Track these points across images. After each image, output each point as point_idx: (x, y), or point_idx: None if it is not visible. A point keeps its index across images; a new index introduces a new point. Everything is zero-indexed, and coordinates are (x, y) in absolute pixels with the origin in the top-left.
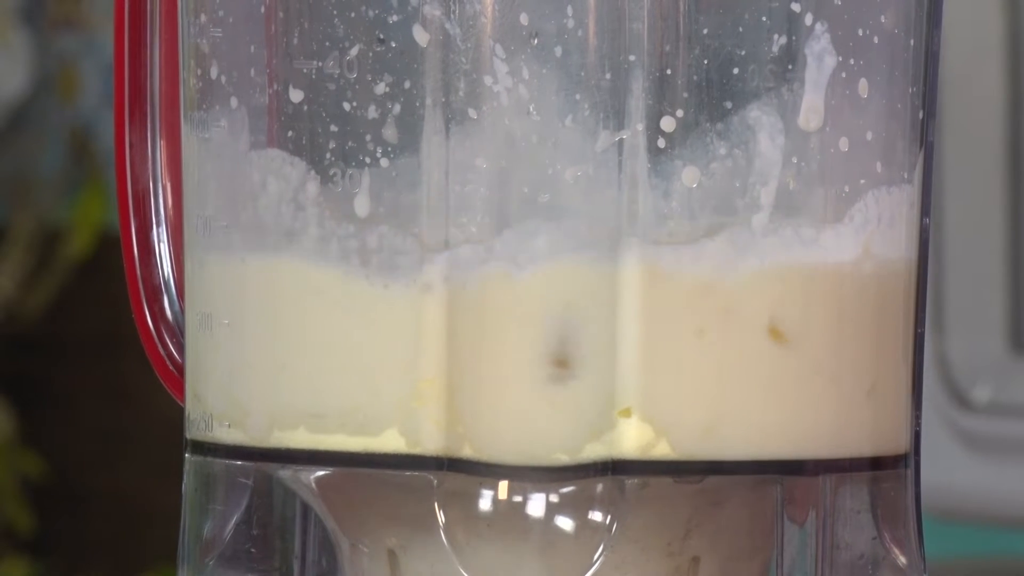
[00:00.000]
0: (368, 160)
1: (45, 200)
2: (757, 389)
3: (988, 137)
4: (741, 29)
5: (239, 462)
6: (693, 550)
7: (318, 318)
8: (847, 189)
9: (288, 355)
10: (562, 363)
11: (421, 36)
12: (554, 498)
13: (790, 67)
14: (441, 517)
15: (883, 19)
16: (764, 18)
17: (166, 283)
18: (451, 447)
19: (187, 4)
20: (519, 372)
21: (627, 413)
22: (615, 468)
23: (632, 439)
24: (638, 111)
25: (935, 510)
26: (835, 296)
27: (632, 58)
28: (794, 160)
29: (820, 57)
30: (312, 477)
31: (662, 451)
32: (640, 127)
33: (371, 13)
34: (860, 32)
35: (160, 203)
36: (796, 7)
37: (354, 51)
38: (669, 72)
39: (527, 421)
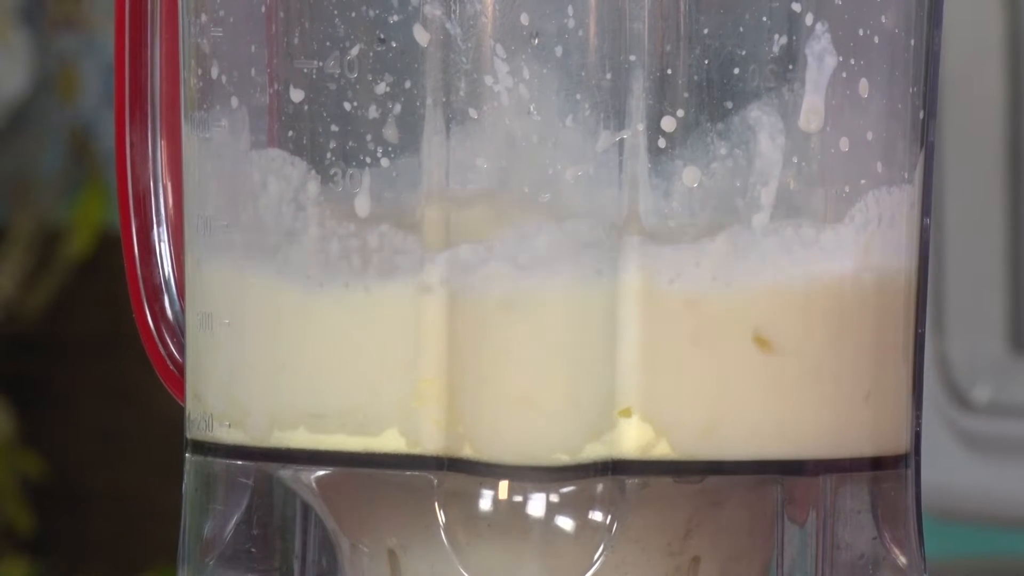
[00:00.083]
0: (369, 160)
1: (45, 200)
2: (757, 389)
3: (988, 137)
4: (742, 29)
5: (239, 462)
6: (693, 550)
7: (318, 318)
8: (847, 189)
9: (288, 355)
10: (562, 363)
11: (422, 36)
12: (554, 498)
13: (791, 67)
14: (441, 517)
15: (884, 19)
16: (765, 18)
17: (166, 283)
18: (451, 447)
19: (188, 4)
20: (519, 372)
21: (627, 413)
22: (615, 468)
23: (632, 439)
24: (639, 111)
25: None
26: (836, 296)
27: (633, 58)
28: (794, 160)
29: (820, 57)
30: (312, 477)
31: (662, 451)
32: (641, 127)
33: (372, 13)
34: (861, 32)
35: (161, 203)
36: (797, 7)
37: (355, 51)
38: (670, 72)
39: (527, 421)
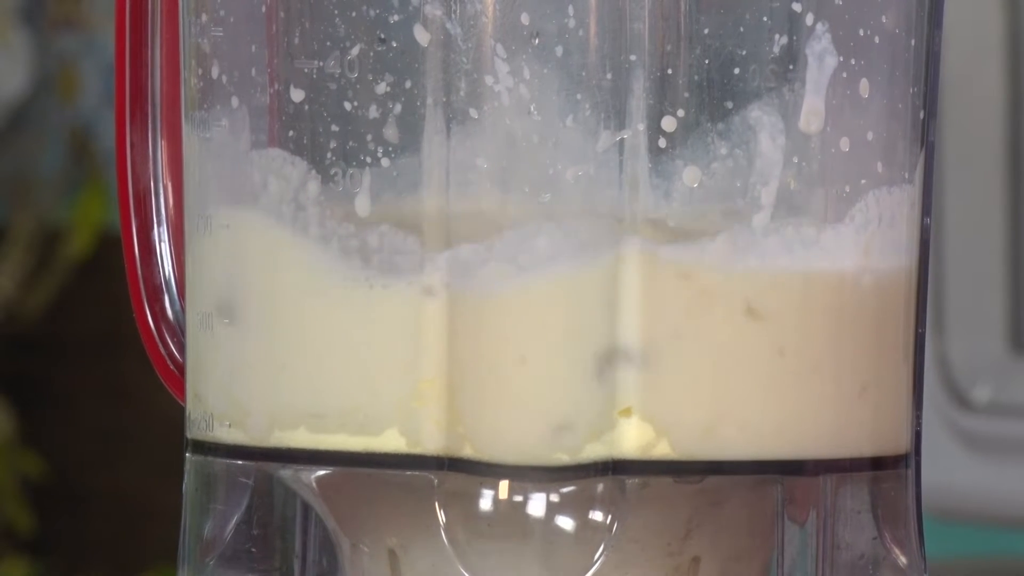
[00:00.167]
0: (369, 160)
1: (45, 200)
2: (757, 389)
3: (988, 137)
4: (742, 29)
5: (240, 462)
6: (693, 550)
7: (319, 318)
8: (848, 189)
9: (289, 355)
10: (562, 363)
11: (422, 36)
12: (554, 498)
13: (791, 67)
14: (442, 517)
15: (884, 19)
16: (765, 18)
17: (167, 283)
18: (452, 447)
19: (188, 4)
20: (519, 372)
21: (627, 413)
22: (615, 468)
23: (632, 439)
24: (639, 111)
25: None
26: (836, 296)
27: (633, 58)
28: (795, 160)
29: (821, 57)
30: (313, 477)
31: (662, 451)
32: (641, 127)
33: (372, 13)
34: (861, 32)
35: (161, 202)
36: (797, 7)
37: (355, 51)
38: (670, 72)
39: (527, 421)
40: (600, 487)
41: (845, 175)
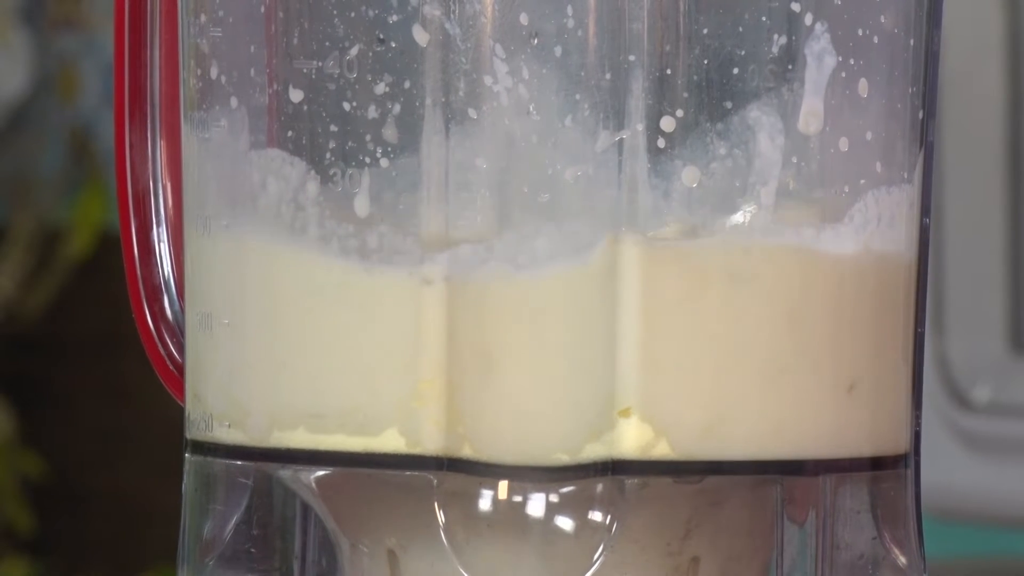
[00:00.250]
0: (368, 160)
1: (45, 200)
2: (756, 389)
3: (988, 137)
4: (741, 29)
5: (239, 462)
6: (693, 550)
7: (318, 318)
8: (847, 189)
9: (288, 355)
10: (562, 363)
11: (421, 36)
12: (554, 498)
13: (790, 67)
14: (441, 517)
15: (883, 19)
16: (764, 18)
17: (166, 283)
18: (451, 447)
19: (187, 4)
20: (519, 372)
21: (627, 413)
22: (615, 468)
23: (632, 439)
24: (638, 111)
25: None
26: (835, 296)
27: (632, 58)
28: (794, 160)
29: (820, 57)
30: (312, 477)
31: (662, 451)
32: (640, 127)
33: (371, 13)
34: (860, 32)
35: (160, 203)
36: (796, 7)
37: (354, 51)
38: (669, 72)
39: (527, 421)
40: (599, 487)
41: (844, 175)
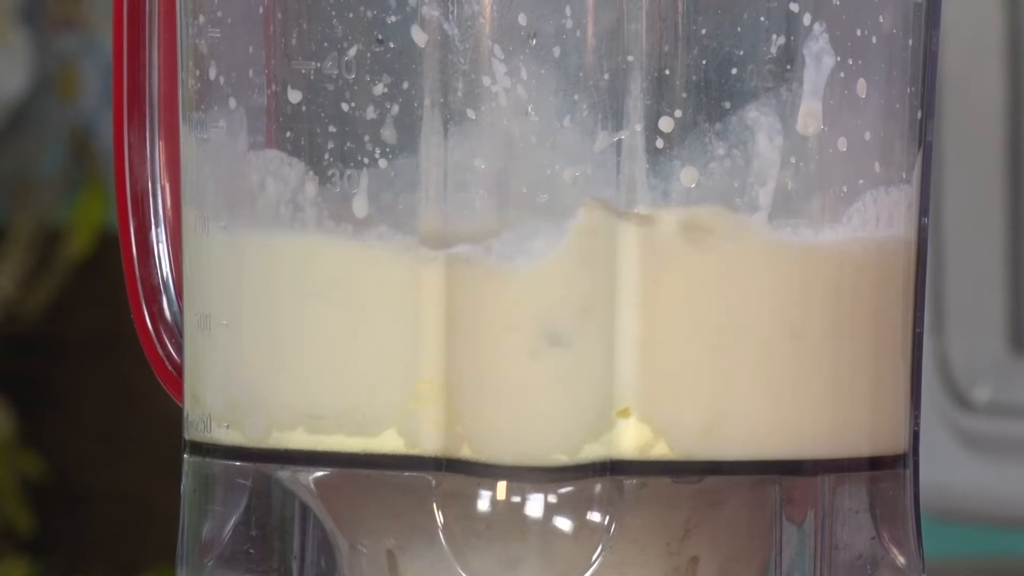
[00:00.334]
0: (366, 161)
1: (45, 200)
2: (756, 389)
3: (988, 137)
4: (739, 29)
5: (238, 463)
6: (692, 550)
7: (316, 318)
8: (845, 189)
9: (286, 355)
10: (560, 364)
11: (419, 37)
12: (552, 499)
13: (788, 67)
14: (439, 518)
15: (881, 19)
16: (762, 18)
17: (165, 284)
18: (449, 448)
19: (185, 5)
20: (518, 372)
21: (625, 413)
22: (613, 468)
23: (630, 439)
24: (636, 111)
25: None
26: (833, 296)
27: (630, 58)
28: (792, 160)
29: (818, 57)
30: (311, 478)
31: (660, 451)
32: (638, 127)
33: (369, 14)
34: (858, 32)
35: (159, 204)
36: (794, 7)
37: (352, 52)
38: (667, 72)
39: (525, 422)
40: (598, 487)
41: (843, 175)
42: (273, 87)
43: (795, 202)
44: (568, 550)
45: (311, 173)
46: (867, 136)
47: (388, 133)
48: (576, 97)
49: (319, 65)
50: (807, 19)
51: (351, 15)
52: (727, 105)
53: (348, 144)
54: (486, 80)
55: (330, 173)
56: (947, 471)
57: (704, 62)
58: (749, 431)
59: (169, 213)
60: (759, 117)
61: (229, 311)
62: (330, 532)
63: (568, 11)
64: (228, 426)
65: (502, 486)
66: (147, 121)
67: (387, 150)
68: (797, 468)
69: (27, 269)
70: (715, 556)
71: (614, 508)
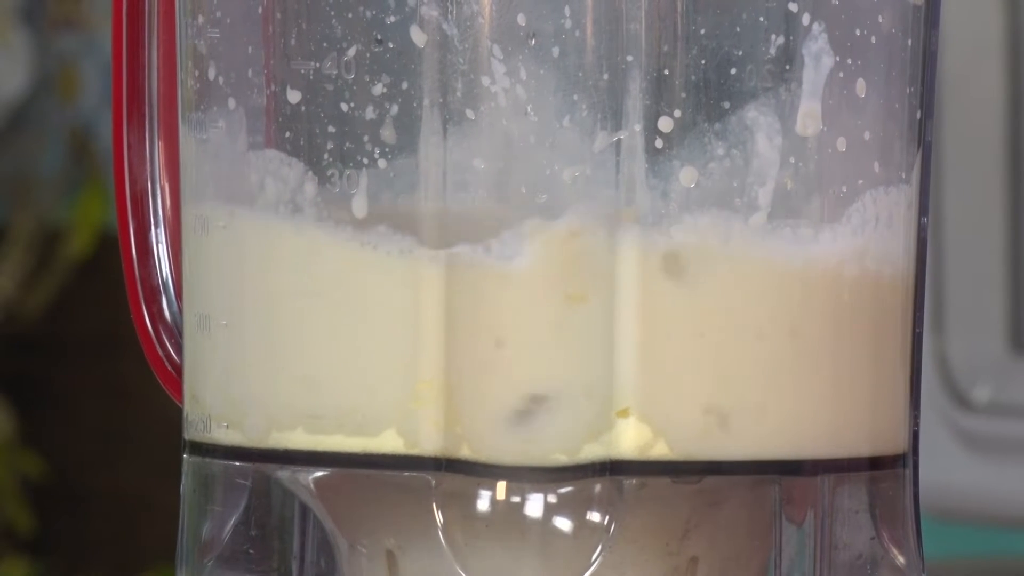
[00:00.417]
0: (366, 161)
1: (45, 200)
2: (755, 389)
3: (988, 137)
4: (739, 29)
5: (237, 463)
6: (691, 550)
7: (316, 318)
8: (845, 189)
9: (286, 356)
10: (560, 364)
11: (418, 37)
12: (552, 499)
13: (788, 67)
14: (439, 518)
15: (880, 19)
16: (762, 18)
17: (164, 284)
18: (449, 448)
19: (185, 5)
20: (517, 372)
21: (625, 413)
22: (613, 468)
23: (630, 439)
24: (636, 111)
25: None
26: (833, 296)
27: (630, 58)
28: (792, 160)
29: (817, 57)
30: (310, 478)
31: (660, 451)
32: (638, 127)
33: (368, 14)
34: (858, 32)
35: (158, 204)
36: (793, 7)
37: (351, 52)
38: (667, 72)
39: (525, 422)
40: (598, 488)
41: (842, 175)
42: (272, 87)
43: (794, 202)
44: (568, 550)
45: (310, 173)
46: (866, 136)
47: (387, 133)
48: (575, 97)
49: (318, 65)
50: (806, 19)
51: (350, 15)
52: (726, 105)
53: (347, 144)
54: (485, 80)
55: (329, 173)
56: (947, 471)
57: (703, 62)
58: (749, 431)
59: (169, 213)
60: (758, 117)
61: (229, 311)
62: (330, 532)
63: (567, 11)
64: (228, 426)
65: (502, 486)
66: (146, 121)
67: (386, 150)
68: (797, 468)
69: (27, 269)
70: (715, 556)
71: (614, 508)
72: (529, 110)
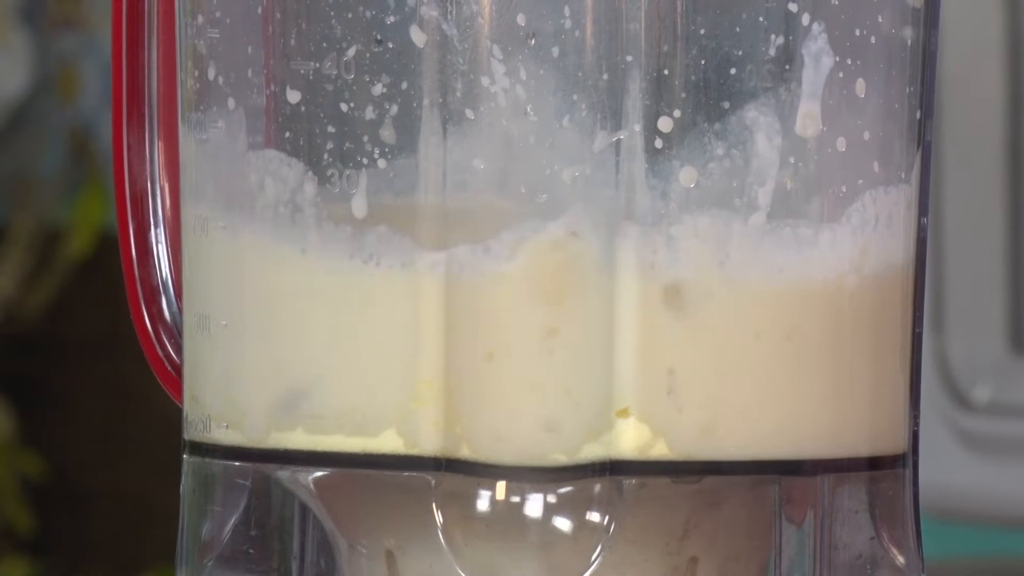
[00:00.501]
0: (365, 161)
1: (45, 200)
2: (755, 389)
3: (988, 137)
4: (738, 29)
5: (237, 463)
6: (691, 550)
7: (316, 319)
8: (844, 189)
9: (286, 356)
10: (560, 363)
11: (418, 37)
12: (552, 499)
13: (787, 67)
14: (439, 518)
15: (880, 19)
16: (761, 18)
17: (164, 284)
18: (449, 448)
19: (184, 5)
20: (517, 372)
21: (625, 413)
22: (613, 468)
23: (630, 439)
24: (635, 111)
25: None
26: (833, 296)
27: (629, 58)
28: (791, 160)
29: (817, 57)
30: (310, 478)
31: (660, 451)
32: (637, 127)
33: (368, 14)
34: (857, 32)
35: (158, 204)
36: (793, 7)
37: (351, 52)
38: (666, 72)
39: (525, 422)
40: (597, 488)
41: (842, 175)
42: (272, 87)
43: (794, 202)
44: (567, 550)
45: (310, 173)
46: (866, 136)
47: (387, 133)
48: (575, 97)
49: (318, 65)
50: (806, 19)
51: (350, 15)
52: (726, 105)
53: (347, 144)
54: (485, 80)
55: (329, 173)
56: (947, 471)
57: (703, 62)
58: (748, 431)
59: (168, 213)
60: (758, 117)
61: (228, 311)
62: (330, 532)
63: (567, 11)
64: (227, 426)
65: (501, 486)
66: (146, 121)
67: (386, 150)
68: (796, 468)
69: (27, 269)
70: (714, 556)
71: (613, 508)
72: (529, 110)
